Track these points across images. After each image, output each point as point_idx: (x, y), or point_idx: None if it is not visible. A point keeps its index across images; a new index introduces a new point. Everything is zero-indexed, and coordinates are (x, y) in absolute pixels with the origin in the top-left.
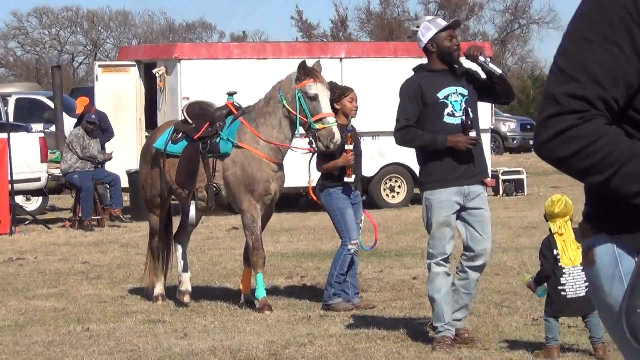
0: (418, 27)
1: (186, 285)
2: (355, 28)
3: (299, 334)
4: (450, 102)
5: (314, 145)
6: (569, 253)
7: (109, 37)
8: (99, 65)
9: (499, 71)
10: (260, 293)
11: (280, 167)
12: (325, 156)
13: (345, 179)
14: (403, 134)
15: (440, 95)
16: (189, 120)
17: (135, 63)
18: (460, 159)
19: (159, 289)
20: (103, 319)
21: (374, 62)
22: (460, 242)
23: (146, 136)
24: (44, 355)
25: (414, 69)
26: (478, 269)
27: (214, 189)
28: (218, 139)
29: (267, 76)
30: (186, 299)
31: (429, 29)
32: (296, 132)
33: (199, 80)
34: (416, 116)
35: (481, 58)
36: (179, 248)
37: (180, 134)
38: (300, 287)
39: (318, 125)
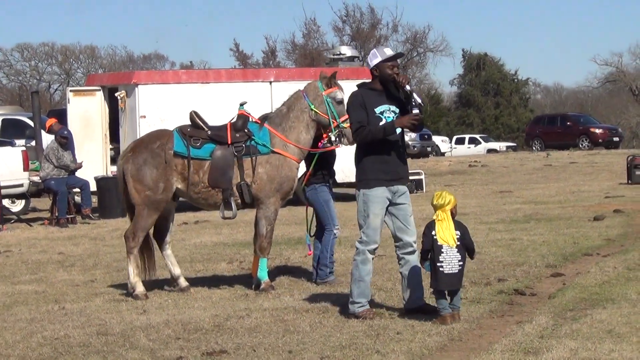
0: (335, 54)
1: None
2: (283, 57)
3: (238, 308)
4: (385, 117)
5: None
6: (445, 234)
7: (79, 68)
8: (71, 90)
9: (419, 100)
10: (264, 275)
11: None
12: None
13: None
14: (360, 133)
15: (377, 110)
16: (204, 127)
17: (100, 88)
18: (388, 164)
19: (142, 287)
20: (76, 299)
21: (298, 84)
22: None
23: (111, 148)
24: (27, 330)
25: (358, 85)
26: (412, 253)
27: (247, 186)
28: (253, 142)
29: (210, 97)
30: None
31: (376, 56)
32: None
33: (153, 102)
34: (365, 119)
35: (408, 87)
36: (168, 248)
37: (201, 140)
38: (239, 270)
39: (345, 125)
